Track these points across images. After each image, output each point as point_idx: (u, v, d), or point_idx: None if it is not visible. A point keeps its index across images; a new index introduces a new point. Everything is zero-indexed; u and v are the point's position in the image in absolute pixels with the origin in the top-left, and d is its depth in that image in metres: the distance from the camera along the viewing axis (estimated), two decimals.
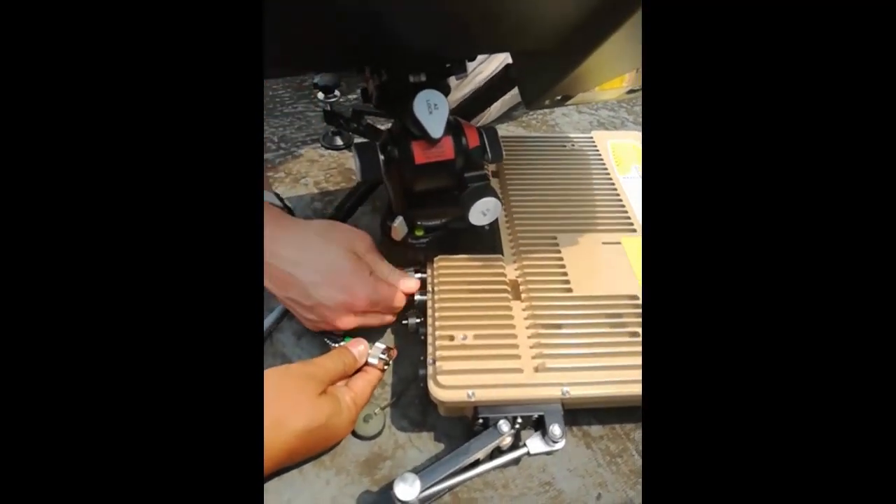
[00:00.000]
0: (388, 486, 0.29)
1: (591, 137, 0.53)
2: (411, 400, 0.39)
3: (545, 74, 0.33)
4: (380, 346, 0.39)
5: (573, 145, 0.51)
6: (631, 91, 0.38)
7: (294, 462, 0.35)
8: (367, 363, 0.38)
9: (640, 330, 0.35)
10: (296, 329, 0.43)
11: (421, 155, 0.31)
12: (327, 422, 0.33)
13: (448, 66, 0.32)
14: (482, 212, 0.33)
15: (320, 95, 0.58)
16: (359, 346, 0.38)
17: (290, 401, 0.32)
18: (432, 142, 0.30)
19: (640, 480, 0.36)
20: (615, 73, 0.32)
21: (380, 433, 0.37)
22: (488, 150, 0.34)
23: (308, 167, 0.60)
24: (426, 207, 0.35)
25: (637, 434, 0.38)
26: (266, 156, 0.62)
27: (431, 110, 0.30)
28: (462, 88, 0.51)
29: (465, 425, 0.36)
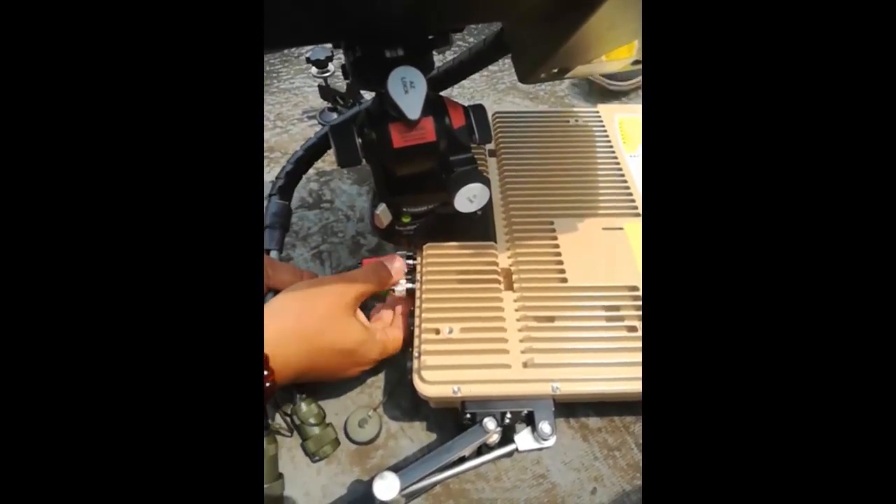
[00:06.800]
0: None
1: (598, 111, 0.49)
2: (404, 390, 0.38)
3: (538, 45, 0.30)
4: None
5: (576, 120, 0.48)
6: (637, 62, 0.35)
7: (315, 378, 0.33)
8: (393, 292, 0.36)
9: (638, 324, 0.33)
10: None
11: (399, 138, 0.28)
12: (356, 348, 0.32)
13: (430, 39, 0.29)
14: (468, 198, 0.31)
15: (314, 70, 0.55)
16: (395, 263, 0.36)
17: (317, 317, 0.30)
18: (410, 123, 0.28)
19: (638, 475, 0.34)
20: (614, 44, 0.29)
21: (376, 437, 0.36)
22: (475, 130, 0.31)
23: None
24: (411, 193, 0.33)
25: (636, 427, 0.37)
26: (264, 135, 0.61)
27: (407, 89, 0.27)
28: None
29: (457, 416, 0.35)
